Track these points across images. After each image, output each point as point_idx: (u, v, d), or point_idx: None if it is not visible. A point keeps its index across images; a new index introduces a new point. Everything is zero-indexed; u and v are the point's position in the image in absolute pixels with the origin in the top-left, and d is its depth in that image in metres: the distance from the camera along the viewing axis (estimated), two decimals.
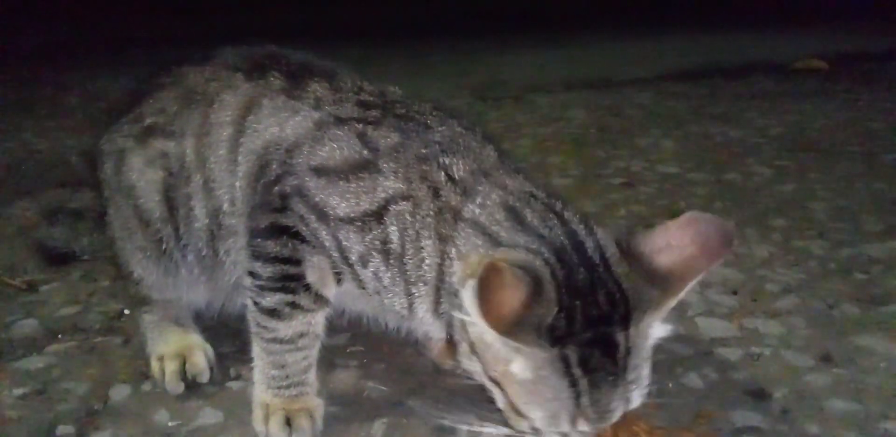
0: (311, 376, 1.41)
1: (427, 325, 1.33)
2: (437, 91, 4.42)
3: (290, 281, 1.33)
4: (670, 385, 1.52)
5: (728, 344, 1.68)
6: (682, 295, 1.08)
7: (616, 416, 1.09)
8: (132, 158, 1.53)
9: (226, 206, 1.46)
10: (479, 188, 1.21)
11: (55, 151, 3.33)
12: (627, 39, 6.81)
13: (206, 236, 1.50)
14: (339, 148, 1.30)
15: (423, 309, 1.27)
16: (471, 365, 1.16)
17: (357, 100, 1.40)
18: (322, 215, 1.29)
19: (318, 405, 1.41)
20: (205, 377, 1.55)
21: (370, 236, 1.26)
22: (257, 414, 1.39)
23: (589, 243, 1.11)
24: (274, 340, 1.36)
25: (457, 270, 1.16)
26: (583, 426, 1.07)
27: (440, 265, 1.21)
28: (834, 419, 1.42)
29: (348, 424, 1.42)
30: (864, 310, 1.82)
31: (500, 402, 1.13)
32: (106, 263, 1.99)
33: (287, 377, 1.38)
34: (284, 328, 1.35)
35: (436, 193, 1.23)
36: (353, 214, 1.26)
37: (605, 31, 7.42)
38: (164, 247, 1.55)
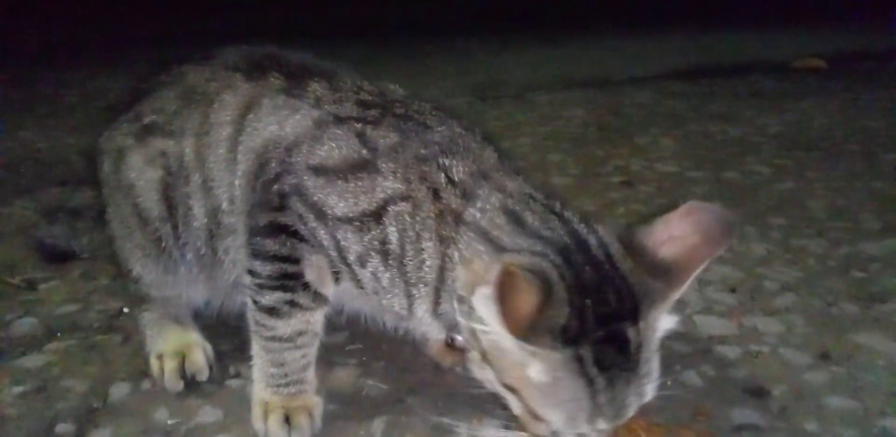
0: (310, 374, 1.41)
1: (426, 325, 1.33)
2: (436, 90, 4.43)
3: (289, 280, 1.34)
4: (669, 383, 1.52)
5: (727, 342, 1.69)
6: (686, 285, 1.09)
7: (632, 412, 1.09)
8: (131, 156, 1.53)
9: (225, 204, 1.46)
10: (480, 192, 1.22)
11: (55, 149, 3.33)
12: (627, 38, 6.82)
13: (205, 236, 1.51)
14: (337, 147, 1.30)
15: (422, 309, 1.28)
16: (482, 374, 1.16)
17: (356, 99, 1.40)
18: (320, 215, 1.29)
19: (317, 403, 1.41)
20: (204, 375, 1.55)
21: (368, 237, 1.26)
22: (256, 412, 1.39)
23: (592, 242, 1.12)
24: (273, 338, 1.36)
25: (460, 275, 1.17)
26: (601, 425, 1.07)
27: (441, 267, 1.22)
28: (832, 417, 1.42)
29: (347, 422, 1.42)
30: (862, 308, 1.82)
31: (517, 408, 1.12)
32: (105, 261, 2.00)
33: (286, 375, 1.38)
34: (283, 327, 1.36)
35: (436, 194, 1.23)
36: (351, 214, 1.26)
37: (605, 30, 7.42)
38: (163, 245, 1.55)
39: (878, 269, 2.03)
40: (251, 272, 1.36)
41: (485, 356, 1.12)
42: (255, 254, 1.35)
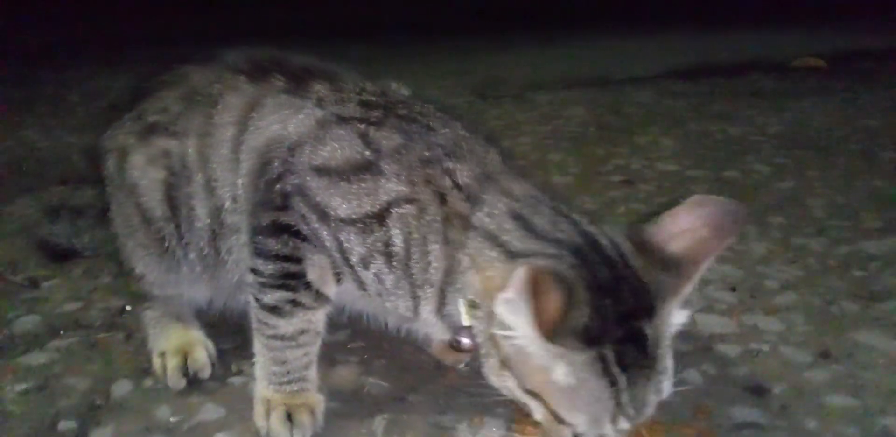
0: (312, 372, 1.42)
1: (430, 326, 1.33)
2: (437, 89, 4.43)
3: (291, 279, 1.34)
4: None
5: (727, 340, 1.69)
6: (697, 279, 1.10)
7: (652, 410, 1.10)
8: (134, 155, 1.53)
9: (228, 204, 1.46)
10: (486, 196, 1.22)
11: (56, 148, 3.34)
12: (627, 38, 6.81)
13: (208, 236, 1.51)
14: (340, 148, 1.30)
15: (427, 310, 1.28)
16: (501, 381, 1.16)
17: (359, 100, 1.40)
18: (323, 216, 1.29)
19: (318, 400, 1.41)
20: (206, 373, 1.55)
21: (372, 238, 1.26)
22: (258, 410, 1.39)
23: (603, 241, 1.13)
24: (275, 336, 1.37)
25: (473, 282, 1.17)
26: (623, 424, 1.08)
27: (447, 269, 1.22)
28: (833, 415, 1.42)
29: (349, 420, 1.42)
30: (862, 306, 1.83)
31: (539, 413, 1.12)
32: (107, 259, 2.00)
33: (288, 372, 1.39)
34: (285, 325, 1.36)
35: (442, 198, 1.24)
36: (354, 216, 1.27)
37: (605, 29, 7.42)
38: (165, 245, 1.55)
39: (878, 267, 2.04)
40: (254, 271, 1.36)
41: (505, 363, 1.12)
42: (258, 253, 1.35)
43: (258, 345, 1.40)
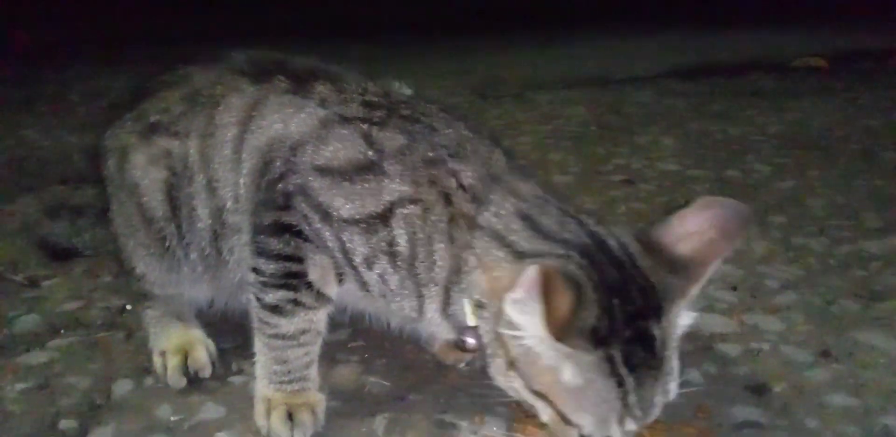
0: (313, 371, 1.42)
1: (435, 326, 1.33)
2: (437, 89, 4.43)
3: (293, 278, 1.34)
4: None
5: (728, 340, 1.69)
6: (704, 280, 1.10)
7: (658, 411, 1.09)
8: (135, 155, 1.53)
9: (229, 203, 1.46)
10: (492, 196, 1.22)
11: (56, 148, 3.34)
12: (627, 37, 6.81)
13: (209, 236, 1.50)
14: (343, 148, 1.30)
15: (432, 309, 1.28)
16: (508, 381, 1.15)
17: (362, 100, 1.40)
18: (326, 216, 1.29)
19: (319, 399, 1.41)
20: (207, 372, 1.55)
21: (376, 239, 1.26)
22: (259, 409, 1.39)
23: (611, 242, 1.13)
24: (276, 336, 1.37)
25: (479, 282, 1.17)
26: (629, 426, 1.08)
27: (453, 268, 1.22)
28: (833, 414, 1.42)
29: (350, 419, 1.42)
30: (863, 306, 1.83)
31: (546, 414, 1.12)
32: (108, 258, 2.00)
33: (289, 372, 1.38)
34: (286, 325, 1.36)
35: (447, 198, 1.23)
36: (357, 216, 1.26)
37: (605, 29, 7.42)
38: (167, 245, 1.54)
39: (879, 267, 2.04)
40: (255, 270, 1.36)
41: (512, 363, 1.12)
42: (259, 252, 1.35)
43: (259, 344, 1.40)
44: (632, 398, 1.05)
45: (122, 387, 1.54)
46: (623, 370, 1.03)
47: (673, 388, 1.09)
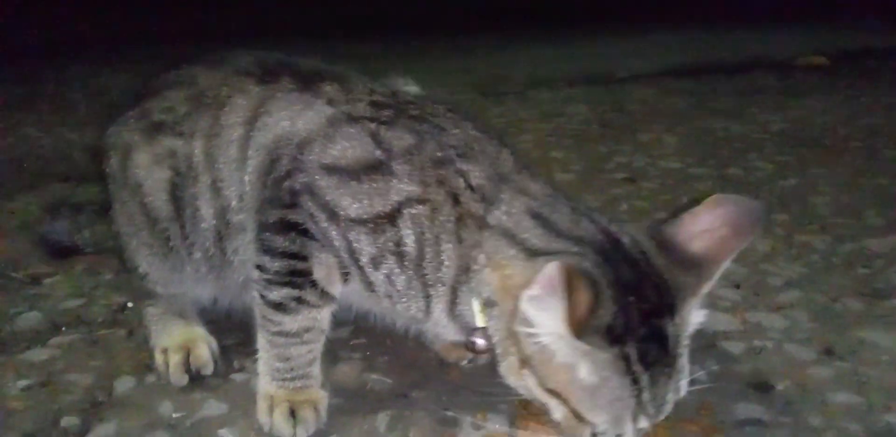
0: (316, 368, 1.41)
1: (441, 327, 1.33)
2: (439, 87, 4.42)
3: (297, 276, 1.33)
4: None
5: (731, 337, 1.69)
6: (716, 278, 1.10)
7: (669, 408, 1.10)
8: (139, 154, 1.52)
9: (234, 202, 1.45)
10: (502, 196, 1.22)
11: (57, 146, 3.33)
12: (629, 35, 6.80)
13: (213, 236, 1.50)
14: (351, 147, 1.29)
15: (438, 309, 1.28)
16: (520, 380, 1.15)
17: (370, 100, 1.39)
18: (332, 215, 1.28)
19: (322, 396, 1.41)
20: (209, 369, 1.55)
21: (383, 239, 1.25)
22: (262, 406, 1.39)
23: (625, 240, 1.13)
24: (279, 333, 1.36)
25: (491, 280, 1.16)
26: (642, 423, 1.08)
27: (461, 268, 1.21)
28: (836, 412, 1.42)
29: (352, 416, 1.42)
30: (866, 304, 1.82)
31: (559, 413, 1.12)
32: (109, 256, 2.00)
33: (292, 369, 1.38)
34: (290, 322, 1.35)
35: (455, 199, 1.23)
36: (364, 216, 1.26)
37: (607, 26, 7.42)
38: (170, 244, 1.54)
39: (882, 265, 2.03)
40: (260, 267, 1.36)
41: (526, 362, 1.12)
42: (264, 250, 1.35)
43: (262, 341, 1.40)
44: (646, 396, 1.05)
45: (123, 384, 1.54)
46: (638, 368, 1.03)
47: (684, 386, 1.10)
